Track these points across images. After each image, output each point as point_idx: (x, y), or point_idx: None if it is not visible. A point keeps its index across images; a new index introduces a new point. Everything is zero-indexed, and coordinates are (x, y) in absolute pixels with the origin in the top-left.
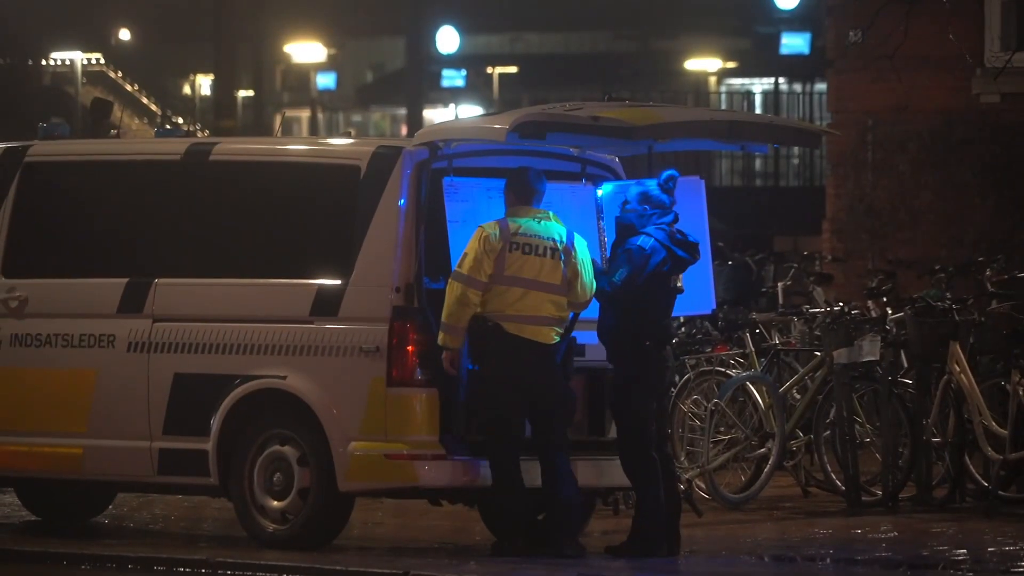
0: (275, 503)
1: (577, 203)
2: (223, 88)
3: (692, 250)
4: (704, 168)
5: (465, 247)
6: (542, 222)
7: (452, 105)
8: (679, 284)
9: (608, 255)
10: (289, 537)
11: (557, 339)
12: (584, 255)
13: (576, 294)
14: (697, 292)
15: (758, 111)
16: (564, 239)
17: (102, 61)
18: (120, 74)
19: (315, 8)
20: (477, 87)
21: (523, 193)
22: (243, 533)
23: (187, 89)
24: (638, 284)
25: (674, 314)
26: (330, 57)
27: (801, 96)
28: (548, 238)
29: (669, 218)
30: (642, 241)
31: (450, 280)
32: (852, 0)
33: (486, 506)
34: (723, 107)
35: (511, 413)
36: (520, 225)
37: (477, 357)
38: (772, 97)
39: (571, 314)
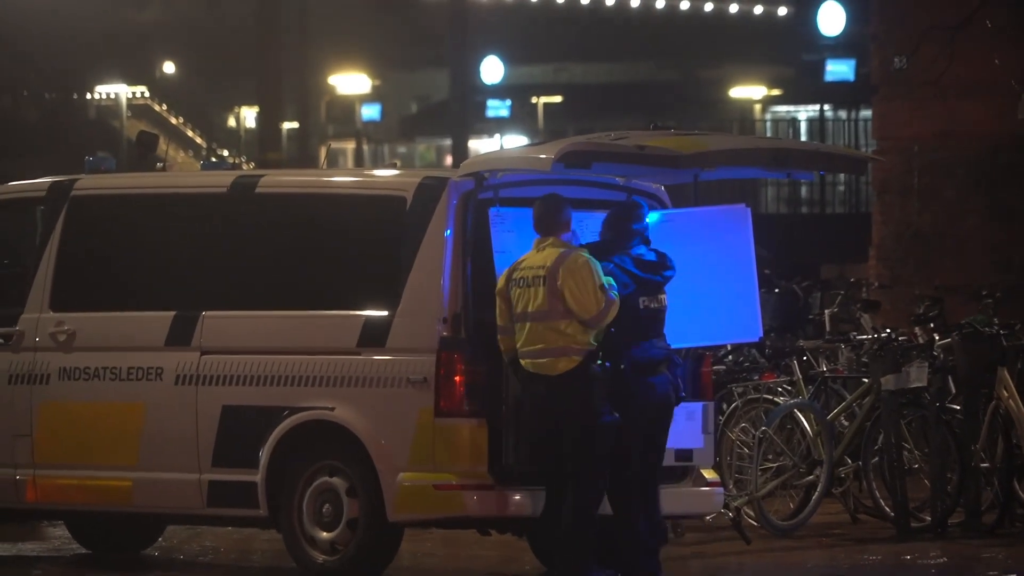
0: (324, 534)
1: None
2: (268, 120)
3: (655, 268)
4: (750, 196)
5: None
6: (541, 250)
7: (497, 135)
8: (656, 304)
9: None
10: (339, 568)
11: (570, 367)
12: (574, 271)
13: (577, 312)
14: (744, 320)
15: (803, 138)
16: (549, 263)
17: (147, 94)
18: (165, 107)
19: (360, 40)
20: (522, 117)
21: (551, 224)
22: (293, 564)
23: (232, 121)
24: None
25: (722, 342)
26: (375, 88)
27: (846, 123)
28: (539, 266)
29: (633, 245)
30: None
31: None
32: (896, 27)
33: (535, 536)
34: (768, 135)
35: (540, 444)
36: (522, 260)
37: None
38: (817, 124)
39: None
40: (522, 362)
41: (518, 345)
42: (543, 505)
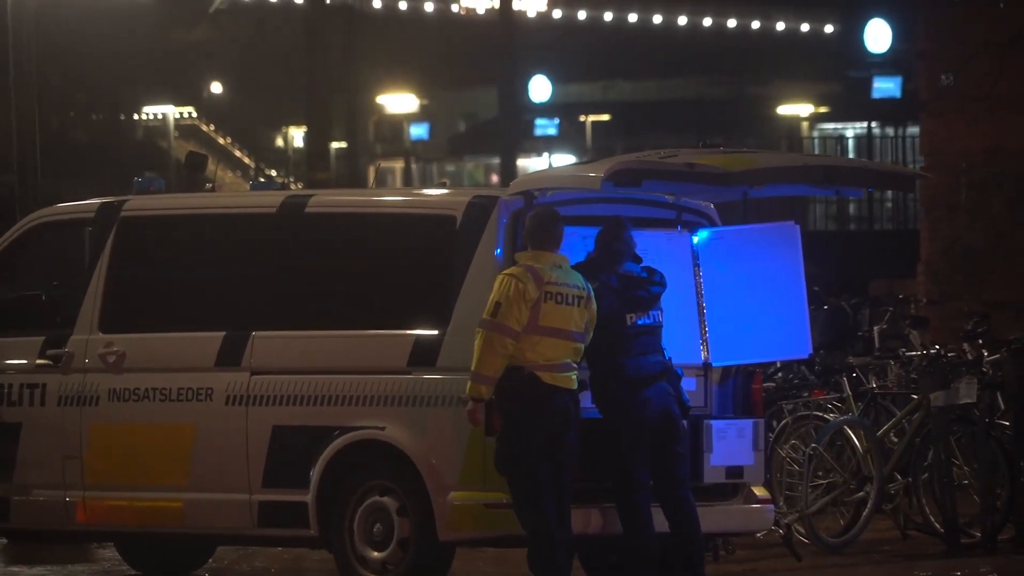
0: (375, 554)
1: (673, 250)
2: (316, 140)
3: (642, 283)
4: (799, 213)
5: (497, 295)
6: (563, 267)
7: (545, 154)
8: (647, 320)
9: (704, 301)
10: None
11: (576, 384)
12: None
13: (588, 340)
14: (794, 337)
15: (851, 155)
16: (584, 286)
17: (194, 114)
18: (212, 127)
19: (407, 59)
20: (570, 135)
21: (547, 238)
22: None
23: (280, 141)
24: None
25: (772, 359)
26: (422, 107)
27: (894, 140)
28: (574, 286)
29: (621, 263)
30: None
31: (481, 330)
32: (943, 44)
33: (586, 553)
34: (816, 152)
35: (539, 462)
36: (551, 274)
37: (511, 408)
38: (865, 141)
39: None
40: (543, 376)
41: (534, 357)
42: (561, 522)
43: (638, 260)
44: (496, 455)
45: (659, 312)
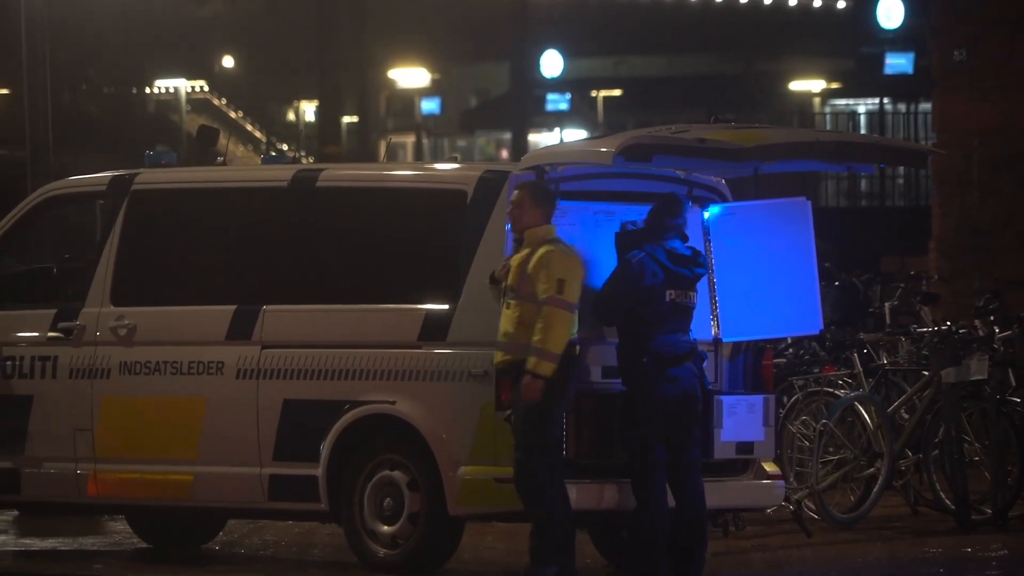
0: (385, 528)
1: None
2: (328, 114)
3: (687, 262)
4: (810, 189)
5: (560, 272)
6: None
7: (557, 129)
8: (683, 299)
9: (715, 277)
10: (400, 562)
11: None
12: None
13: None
14: (805, 313)
15: (863, 131)
16: None
17: (206, 88)
18: (224, 101)
19: (419, 34)
20: (581, 111)
21: (551, 211)
22: (354, 558)
23: (291, 115)
24: (628, 300)
25: (783, 335)
26: (434, 82)
27: (906, 116)
28: None
29: (668, 237)
30: (631, 255)
31: (560, 310)
32: (956, 20)
33: (596, 529)
34: (828, 128)
35: (561, 435)
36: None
37: (560, 380)
38: (877, 117)
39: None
40: (575, 348)
41: (574, 330)
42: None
43: (685, 239)
44: (529, 425)
45: (695, 294)
